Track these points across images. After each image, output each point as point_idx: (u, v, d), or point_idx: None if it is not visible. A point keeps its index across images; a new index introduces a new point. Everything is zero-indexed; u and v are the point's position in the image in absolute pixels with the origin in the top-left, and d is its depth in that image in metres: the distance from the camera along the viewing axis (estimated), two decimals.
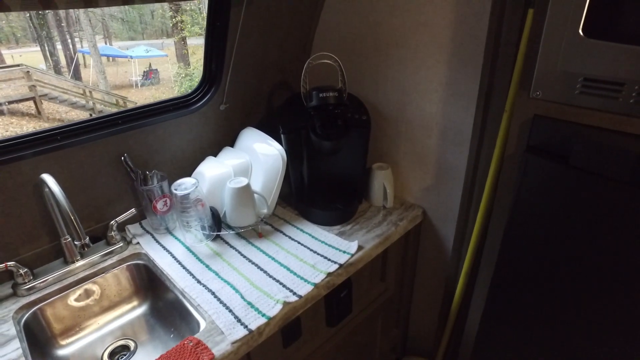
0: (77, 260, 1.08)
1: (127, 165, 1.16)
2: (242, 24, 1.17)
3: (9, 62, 11.66)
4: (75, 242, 0.93)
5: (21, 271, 0.98)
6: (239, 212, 1.16)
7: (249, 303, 0.94)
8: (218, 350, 0.83)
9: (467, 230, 1.27)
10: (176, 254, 1.12)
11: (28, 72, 8.51)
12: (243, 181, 1.15)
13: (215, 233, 1.16)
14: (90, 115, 9.51)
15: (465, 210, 1.23)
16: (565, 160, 0.86)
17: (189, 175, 1.30)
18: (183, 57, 12.65)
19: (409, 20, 1.12)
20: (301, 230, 1.21)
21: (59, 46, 12.81)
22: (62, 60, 12.81)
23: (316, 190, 1.31)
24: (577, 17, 0.75)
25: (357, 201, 1.30)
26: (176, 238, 1.19)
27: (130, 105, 10.05)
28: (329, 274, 1.02)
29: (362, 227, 1.22)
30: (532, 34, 0.89)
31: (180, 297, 1.00)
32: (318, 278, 1.01)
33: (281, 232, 1.21)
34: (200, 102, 1.27)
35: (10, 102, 8.72)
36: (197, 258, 1.10)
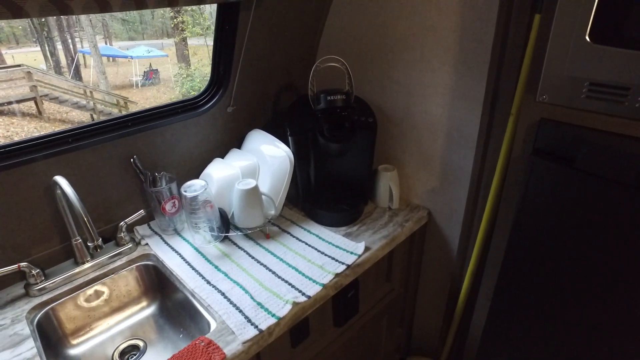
0: (87, 261, 1.09)
1: (137, 167, 1.17)
2: (251, 28, 1.18)
3: (9, 62, 11.66)
4: (88, 243, 0.95)
5: (33, 272, 0.99)
6: (247, 214, 1.18)
7: (259, 303, 0.95)
8: (229, 350, 0.84)
9: (472, 231, 1.28)
10: (185, 255, 1.13)
11: (29, 72, 8.51)
12: (251, 183, 1.16)
13: (223, 234, 1.17)
14: (91, 115, 9.52)
15: (470, 211, 1.24)
16: (572, 163, 0.87)
17: (197, 176, 1.31)
18: (184, 57, 12.66)
19: (415, 24, 1.14)
20: (308, 231, 1.23)
21: (59, 46, 12.81)
22: (63, 61, 12.81)
23: (323, 192, 1.32)
24: (583, 22, 0.76)
25: (363, 202, 1.32)
26: (184, 239, 1.20)
27: (130, 105, 10.09)
28: (337, 275, 1.03)
29: (369, 228, 1.23)
30: (538, 39, 0.91)
31: (190, 297, 1.01)
32: (326, 279, 1.02)
33: (288, 233, 1.22)
34: (208, 105, 1.28)
35: (11, 103, 8.72)
36: (206, 259, 1.12)
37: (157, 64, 13.02)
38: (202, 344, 0.86)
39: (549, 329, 1.07)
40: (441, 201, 1.29)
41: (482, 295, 1.25)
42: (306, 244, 1.17)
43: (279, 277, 1.04)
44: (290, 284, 1.01)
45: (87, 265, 1.09)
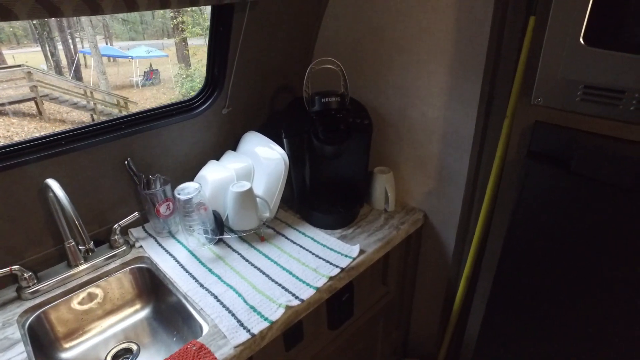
0: (81, 264, 1.09)
1: (131, 170, 1.17)
2: (245, 29, 1.17)
3: (9, 62, 11.68)
4: (79, 247, 0.94)
5: (25, 275, 0.99)
6: (241, 216, 1.17)
7: (252, 307, 0.95)
8: (221, 354, 0.83)
9: (468, 234, 1.28)
10: (179, 258, 1.13)
11: (29, 72, 8.52)
12: (245, 185, 1.15)
13: (217, 237, 1.17)
14: (92, 115, 9.53)
15: (466, 214, 1.24)
16: (567, 167, 0.87)
17: (192, 178, 1.31)
18: (184, 57, 12.68)
19: (411, 26, 1.13)
20: (303, 233, 1.22)
21: (60, 46, 12.83)
22: (63, 61, 12.83)
23: (318, 194, 1.32)
24: (578, 25, 0.76)
25: (358, 205, 1.31)
26: (179, 242, 1.20)
27: (131, 106, 10.09)
28: (330, 278, 1.03)
29: (364, 231, 1.23)
30: (533, 41, 0.90)
31: (183, 300, 1.00)
32: (320, 282, 1.02)
33: (283, 235, 1.22)
34: (203, 107, 1.28)
35: (11, 103, 8.73)
36: (200, 262, 1.11)
37: (157, 64, 13.04)
38: (194, 348, 0.86)
39: (544, 332, 1.07)
40: (437, 204, 1.28)
41: (478, 299, 1.24)
42: (301, 246, 1.16)
43: (273, 281, 1.03)
44: (283, 288, 1.00)
45: (80, 268, 1.08)
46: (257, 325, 0.90)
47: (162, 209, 1.18)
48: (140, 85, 12.30)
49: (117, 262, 1.13)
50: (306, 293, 0.98)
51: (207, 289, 1.01)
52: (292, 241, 1.19)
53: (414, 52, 1.15)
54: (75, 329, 1.06)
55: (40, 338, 0.98)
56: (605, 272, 0.89)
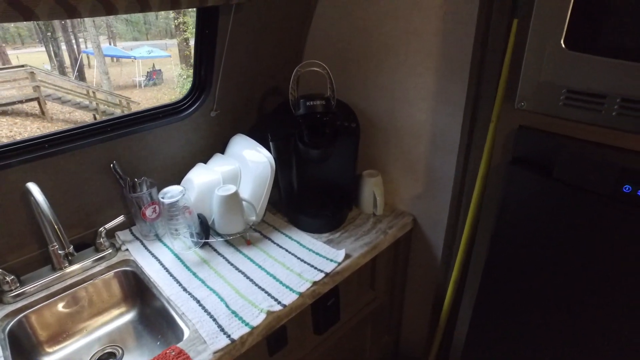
0: (65, 267, 1.08)
1: (116, 173, 1.16)
2: (231, 32, 1.17)
3: (14, 62, 11.75)
4: (59, 251, 0.94)
5: (7, 279, 0.99)
6: (227, 220, 1.16)
7: (234, 312, 0.94)
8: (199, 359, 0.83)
9: (455, 239, 1.26)
10: (164, 261, 1.12)
11: (32, 72, 8.57)
12: (231, 189, 1.15)
13: (203, 240, 1.16)
14: (94, 115, 9.57)
15: (454, 219, 1.22)
16: (549, 173, 0.85)
17: (180, 181, 1.30)
18: (186, 58, 12.71)
19: (398, 28, 1.12)
20: (290, 237, 1.21)
21: (63, 47, 12.91)
22: (67, 61, 12.90)
23: (306, 198, 1.31)
24: (559, 29, 0.74)
25: (346, 208, 1.30)
26: (165, 245, 1.19)
27: (133, 105, 10.12)
28: (314, 283, 1.02)
29: (351, 235, 1.22)
30: (516, 45, 0.89)
31: (166, 305, 1.00)
32: (303, 287, 1.01)
33: (270, 239, 1.21)
34: (191, 109, 1.27)
35: (14, 103, 8.79)
36: (185, 265, 1.11)
37: (160, 64, 13.09)
38: (173, 353, 0.85)
39: (530, 336, 1.05)
40: (426, 208, 1.27)
41: (465, 303, 1.23)
42: (286, 250, 1.15)
43: (256, 285, 1.02)
44: (266, 292, 1.00)
45: (65, 271, 1.08)
46: (238, 331, 0.89)
47: (148, 212, 1.18)
48: (143, 86, 12.35)
49: (103, 266, 1.12)
50: (289, 298, 0.98)
51: (190, 293, 1.01)
52: (278, 245, 1.18)
53: (401, 54, 1.14)
54: (59, 332, 1.06)
55: (22, 342, 0.98)
56: (588, 277, 0.88)
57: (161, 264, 1.12)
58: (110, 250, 1.15)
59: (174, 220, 1.11)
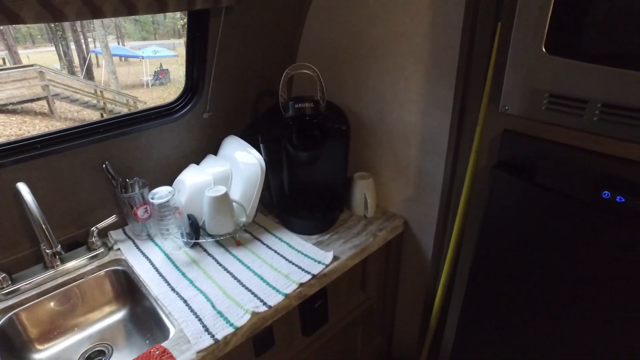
0: (57, 266, 1.10)
1: (108, 173, 1.18)
2: (222, 34, 1.18)
3: (24, 61, 11.92)
4: (47, 250, 0.95)
5: None
6: (217, 221, 1.17)
7: (219, 312, 0.95)
8: (183, 359, 0.84)
9: (445, 242, 1.26)
10: (155, 261, 1.14)
11: (41, 72, 8.68)
12: (221, 190, 1.16)
13: (193, 241, 1.17)
14: (101, 114, 9.67)
15: (442, 222, 1.22)
16: (531, 178, 0.85)
17: (173, 182, 1.31)
18: None
19: (388, 31, 1.12)
20: (279, 239, 1.22)
21: (73, 46, 13.06)
22: (76, 60, 13.05)
23: (297, 199, 1.31)
24: (540, 33, 0.74)
25: (337, 210, 1.30)
26: (157, 245, 1.21)
27: (139, 105, 10.21)
28: (300, 285, 1.02)
29: (341, 237, 1.22)
30: (500, 48, 0.89)
31: (155, 304, 1.01)
32: (290, 288, 1.01)
33: (260, 240, 1.22)
34: (183, 111, 1.28)
35: (24, 102, 8.91)
36: (175, 265, 1.12)
37: (167, 64, 13.18)
38: (157, 352, 0.86)
39: (516, 338, 1.05)
40: (416, 210, 1.27)
41: (454, 305, 1.23)
42: (275, 252, 1.16)
43: (243, 286, 1.03)
44: (253, 293, 1.00)
45: (56, 269, 1.09)
46: (222, 331, 0.90)
47: (140, 212, 1.19)
48: (150, 85, 12.45)
49: (94, 264, 1.14)
50: (274, 299, 0.98)
51: (177, 293, 1.02)
52: (267, 246, 1.19)
53: (391, 56, 1.14)
54: (49, 330, 1.07)
55: (12, 340, 1.00)
56: (572, 280, 0.87)
57: (151, 263, 1.13)
58: (102, 250, 1.17)
59: (164, 221, 1.12)
